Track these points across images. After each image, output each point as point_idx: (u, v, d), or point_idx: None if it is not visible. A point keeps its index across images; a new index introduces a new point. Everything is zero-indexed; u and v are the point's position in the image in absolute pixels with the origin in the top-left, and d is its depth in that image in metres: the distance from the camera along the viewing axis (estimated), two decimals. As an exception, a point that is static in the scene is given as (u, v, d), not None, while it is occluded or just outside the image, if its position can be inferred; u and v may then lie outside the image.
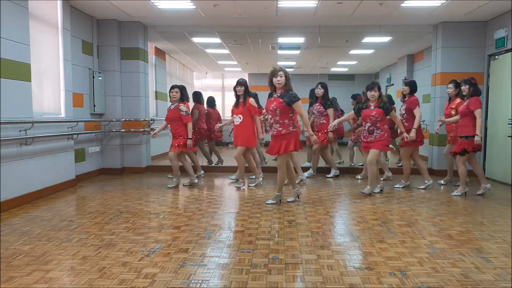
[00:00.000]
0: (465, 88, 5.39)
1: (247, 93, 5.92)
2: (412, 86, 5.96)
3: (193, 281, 2.72)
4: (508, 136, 5.92)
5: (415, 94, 6.03)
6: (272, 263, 3.03)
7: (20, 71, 4.85)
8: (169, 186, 6.17)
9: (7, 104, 4.60)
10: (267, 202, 4.97)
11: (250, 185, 6.22)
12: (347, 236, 3.75)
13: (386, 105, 5.38)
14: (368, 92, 5.38)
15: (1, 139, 4.46)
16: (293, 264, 3.03)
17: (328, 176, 7.07)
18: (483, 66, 7.24)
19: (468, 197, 5.47)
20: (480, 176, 5.56)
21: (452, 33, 7.29)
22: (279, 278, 2.78)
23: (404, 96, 6.16)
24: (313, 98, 6.99)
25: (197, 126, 7.48)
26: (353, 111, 5.82)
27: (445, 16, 6.99)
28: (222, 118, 9.02)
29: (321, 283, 2.70)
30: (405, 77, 6.12)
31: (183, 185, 6.25)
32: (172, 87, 6.07)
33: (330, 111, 6.67)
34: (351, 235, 3.78)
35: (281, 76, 4.58)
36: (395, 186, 6.15)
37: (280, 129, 4.68)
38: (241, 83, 5.91)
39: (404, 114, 5.95)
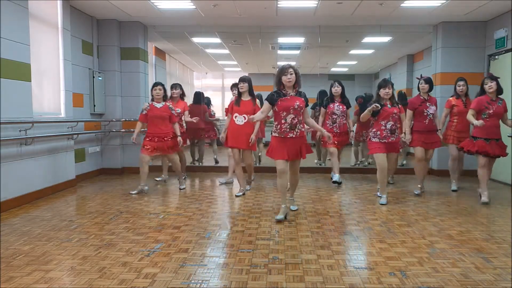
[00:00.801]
0: (492, 84, 4.97)
1: (252, 92, 5.50)
2: (431, 84, 5.59)
3: (193, 281, 2.72)
4: (508, 136, 5.91)
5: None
6: (272, 263, 3.03)
7: (20, 71, 4.85)
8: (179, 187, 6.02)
9: (7, 104, 4.60)
10: (292, 208, 4.66)
11: (247, 188, 5.88)
12: (347, 236, 3.75)
13: (397, 102, 5.23)
14: (381, 90, 5.05)
15: (1, 139, 4.46)
16: (293, 264, 3.03)
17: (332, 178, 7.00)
18: (483, 66, 7.24)
19: (468, 197, 5.48)
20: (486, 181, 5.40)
21: (452, 33, 7.28)
22: (279, 278, 2.78)
23: (401, 96, 5.95)
24: (320, 99, 6.79)
25: (193, 125, 6.97)
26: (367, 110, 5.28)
27: (445, 16, 6.99)
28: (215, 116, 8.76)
29: (321, 283, 2.70)
30: (421, 75, 5.83)
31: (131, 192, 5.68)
32: (156, 84, 5.57)
33: (349, 110, 6.43)
34: (351, 235, 3.79)
35: (291, 74, 4.31)
36: (415, 192, 5.67)
37: (303, 129, 4.41)
38: (244, 79, 5.44)
39: (433, 113, 5.53)
